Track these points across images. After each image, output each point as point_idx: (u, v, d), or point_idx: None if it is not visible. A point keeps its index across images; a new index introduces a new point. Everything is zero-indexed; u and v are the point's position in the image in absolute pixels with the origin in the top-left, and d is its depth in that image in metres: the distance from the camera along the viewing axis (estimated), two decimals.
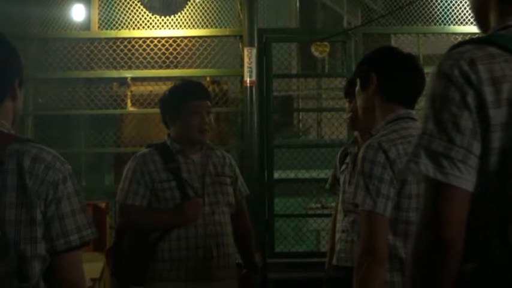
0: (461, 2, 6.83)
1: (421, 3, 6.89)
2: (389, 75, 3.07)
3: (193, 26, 6.70)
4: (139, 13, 6.68)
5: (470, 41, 1.72)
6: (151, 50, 6.64)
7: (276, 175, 6.66)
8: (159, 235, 3.96)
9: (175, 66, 6.66)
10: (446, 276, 1.65)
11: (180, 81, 4.40)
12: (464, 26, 6.75)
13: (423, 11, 6.83)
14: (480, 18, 1.87)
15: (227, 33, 6.73)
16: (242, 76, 6.48)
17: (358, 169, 2.90)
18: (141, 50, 6.65)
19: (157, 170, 4.00)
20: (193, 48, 6.71)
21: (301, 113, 9.79)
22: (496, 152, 1.63)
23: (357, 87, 3.20)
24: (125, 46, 6.65)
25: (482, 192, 1.64)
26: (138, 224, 4.02)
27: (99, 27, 6.72)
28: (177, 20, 6.69)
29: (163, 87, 6.66)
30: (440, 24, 6.82)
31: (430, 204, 1.67)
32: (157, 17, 6.68)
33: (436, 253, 1.65)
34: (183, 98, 4.07)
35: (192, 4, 6.71)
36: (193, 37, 6.70)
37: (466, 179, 1.63)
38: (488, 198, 1.64)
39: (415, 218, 2.84)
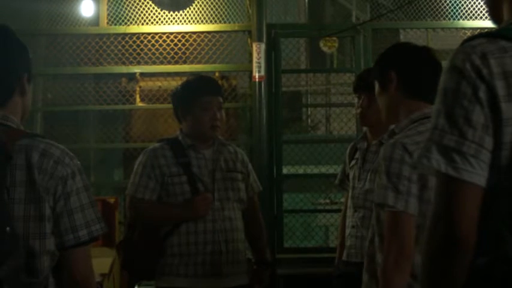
0: None
1: None
2: (410, 71, 3.03)
3: (202, 21, 6.70)
4: (148, 8, 6.68)
5: (483, 34, 1.71)
6: (160, 45, 6.64)
7: (285, 170, 6.65)
8: (168, 230, 3.97)
9: (184, 62, 6.66)
10: (459, 272, 1.64)
11: (192, 77, 4.40)
12: (473, 21, 6.72)
13: (432, 6, 6.81)
14: (493, 11, 1.86)
15: (236, 28, 6.72)
16: (251, 71, 6.47)
17: (384, 169, 2.84)
18: (149, 46, 6.65)
19: (167, 164, 4.01)
20: (202, 44, 6.71)
21: (309, 109, 9.80)
22: (508, 147, 1.62)
23: (377, 89, 3.15)
24: (134, 42, 6.65)
25: (495, 187, 1.63)
26: (147, 218, 4.03)
27: (108, 23, 6.72)
28: (185, 15, 6.68)
29: (172, 83, 6.68)
30: (449, 19, 6.79)
31: (442, 200, 1.67)
32: (166, 12, 6.68)
33: (448, 249, 1.64)
34: (194, 93, 4.07)
35: None
36: (202, 32, 6.69)
37: (478, 174, 1.62)
38: (500, 193, 1.63)
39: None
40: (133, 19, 6.69)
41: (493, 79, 1.62)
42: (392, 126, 3.05)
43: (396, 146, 2.85)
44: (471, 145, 1.62)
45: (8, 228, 1.99)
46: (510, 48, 1.65)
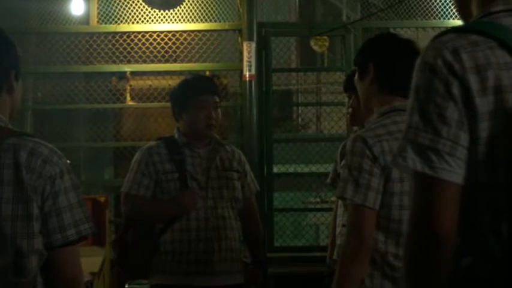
0: None
1: None
2: (385, 65, 3.02)
3: (193, 20, 6.70)
4: (139, 7, 6.68)
5: (453, 29, 1.69)
6: (151, 44, 6.63)
7: (275, 169, 6.66)
8: (162, 227, 3.99)
9: (175, 61, 6.66)
10: (440, 271, 1.63)
11: (189, 76, 4.43)
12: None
13: (422, 5, 6.82)
14: (462, 8, 1.84)
15: (226, 27, 6.72)
16: (241, 70, 6.47)
17: (346, 163, 2.88)
18: (140, 44, 6.64)
19: (161, 162, 4.04)
20: (193, 42, 6.71)
21: (300, 107, 9.77)
22: (484, 142, 1.59)
23: (356, 76, 3.16)
24: (124, 40, 6.64)
25: (473, 184, 1.61)
26: (140, 214, 4.06)
27: (98, 22, 6.71)
28: (176, 14, 6.68)
29: (163, 82, 6.69)
30: (439, 19, 6.81)
31: (419, 200, 1.65)
32: (157, 11, 6.67)
33: (428, 249, 1.62)
34: (191, 92, 4.10)
35: None
36: (192, 31, 6.69)
37: (455, 172, 1.60)
38: (479, 190, 1.62)
39: (396, 215, 2.84)
40: (123, 18, 6.68)
41: (466, 74, 1.59)
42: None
43: (357, 139, 2.87)
44: (446, 143, 1.60)
45: None
46: (482, 41, 1.63)
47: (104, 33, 6.69)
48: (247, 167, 4.31)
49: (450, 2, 6.78)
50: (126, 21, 6.68)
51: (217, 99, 4.14)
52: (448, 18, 6.78)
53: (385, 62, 3.03)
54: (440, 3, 6.81)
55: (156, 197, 4.03)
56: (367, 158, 2.82)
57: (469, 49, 1.62)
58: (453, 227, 1.62)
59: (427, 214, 1.63)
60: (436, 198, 1.61)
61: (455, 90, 1.61)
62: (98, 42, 6.68)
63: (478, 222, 1.62)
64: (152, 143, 4.18)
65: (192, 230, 3.97)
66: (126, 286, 5.45)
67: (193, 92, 4.10)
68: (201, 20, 6.71)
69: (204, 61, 6.70)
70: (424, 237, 1.63)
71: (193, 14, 6.70)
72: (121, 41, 6.64)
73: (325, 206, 6.88)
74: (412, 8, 6.85)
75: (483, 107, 1.59)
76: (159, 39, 6.62)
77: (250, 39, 6.46)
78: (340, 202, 4.33)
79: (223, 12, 6.78)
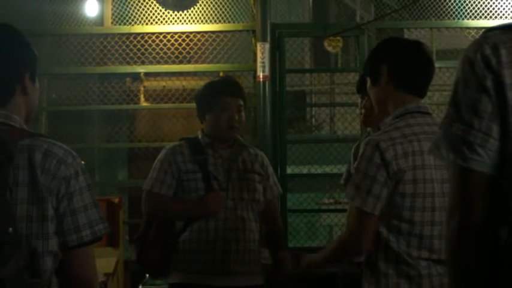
0: None
1: None
2: (398, 65, 3.05)
3: (206, 21, 6.70)
4: (153, 8, 6.69)
5: (499, 26, 1.73)
6: (164, 45, 6.65)
7: (289, 170, 6.65)
8: (182, 226, 4.00)
9: (188, 62, 6.67)
10: (476, 259, 1.65)
11: (216, 78, 4.45)
12: (478, 20, 6.72)
13: (436, 5, 6.80)
14: None
15: (240, 28, 6.73)
16: (255, 71, 6.48)
17: (356, 165, 2.94)
18: (154, 45, 6.66)
19: (184, 161, 4.05)
20: (206, 43, 6.72)
21: (314, 108, 9.80)
22: None
23: (368, 83, 3.17)
24: (138, 41, 6.66)
25: (507, 176, 1.63)
26: (161, 212, 4.07)
27: (112, 23, 6.73)
28: (190, 15, 6.69)
29: (177, 82, 6.70)
30: (454, 19, 6.79)
31: (453, 189, 1.70)
32: (171, 12, 6.69)
33: (462, 237, 1.66)
34: (215, 93, 4.12)
35: None
36: (206, 32, 6.70)
37: (485, 163, 1.63)
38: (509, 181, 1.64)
39: (407, 216, 2.87)
40: (137, 19, 6.70)
41: (501, 68, 1.63)
42: None
43: (369, 143, 2.91)
44: (478, 134, 1.63)
45: (10, 229, 1.98)
46: None
47: (118, 34, 6.71)
48: (270, 169, 4.31)
49: (464, 2, 6.76)
50: (140, 22, 6.69)
51: (241, 102, 4.15)
52: (462, 19, 6.76)
53: (398, 62, 3.06)
54: (454, 3, 6.79)
55: (177, 195, 4.05)
56: (373, 165, 2.85)
57: (508, 44, 1.66)
58: (486, 216, 1.65)
59: (459, 203, 1.67)
60: (468, 187, 1.66)
61: (489, 84, 1.64)
62: (112, 43, 6.69)
63: (509, 215, 1.64)
64: (176, 143, 4.21)
65: (210, 230, 3.98)
66: (140, 287, 5.45)
67: (217, 93, 4.12)
68: (215, 21, 6.72)
69: (218, 62, 6.71)
70: (458, 226, 1.66)
71: (207, 15, 6.71)
72: (135, 42, 6.66)
73: (339, 206, 6.87)
74: (426, 8, 6.84)
75: None
76: (172, 40, 6.63)
77: (264, 40, 6.46)
78: None
79: (237, 13, 6.79)
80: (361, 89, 4.29)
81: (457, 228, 1.66)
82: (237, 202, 4.05)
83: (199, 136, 4.15)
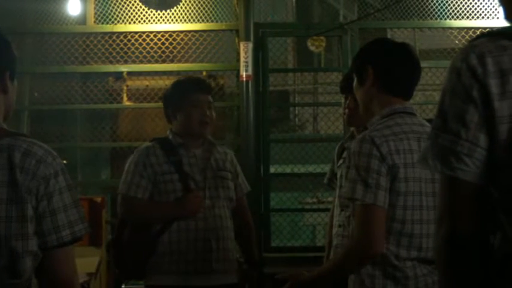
0: None
1: None
2: (385, 66, 3.05)
3: (190, 20, 6.69)
4: (135, 7, 6.67)
5: (486, 33, 1.73)
6: (148, 44, 6.63)
7: (272, 169, 6.65)
8: (159, 228, 3.98)
9: (172, 61, 6.66)
10: (468, 268, 1.65)
11: (182, 77, 4.46)
12: (460, 21, 6.73)
13: (419, 5, 6.81)
14: (508, 11, 1.86)
15: (223, 27, 6.72)
16: (238, 70, 6.47)
17: (353, 163, 2.89)
18: (137, 44, 6.64)
19: (159, 163, 4.04)
20: (190, 43, 6.70)
21: (297, 108, 9.81)
22: (503, 144, 1.62)
23: (355, 83, 3.18)
24: (121, 40, 6.64)
25: (496, 185, 1.64)
26: (140, 217, 4.05)
27: (94, 22, 6.70)
28: (173, 14, 6.68)
29: (160, 82, 6.68)
30: (436, 19, 6.80)
31: (441, 199, 1.70)
32: (153, 11, 6.67)
33: (452, 246, 1.65)
34: (184, 91, 4.13)
35: None
36: (189, 31, 6.69)
37: (472, 172, 1.63)
38: (500, 191, 1.64)
39: (400, 215, 2.86)
40: (120, 18, 6.68)
41: (487, 78, 1.62)
42: None
43: (364, 140, 2.89)
44: (465, 144, 1.63)
45: None
46: (510, 46, 1.66)
47: (101, 33, 6.69)
48: (239, 167, 4.34)
49: (447, 2, 6.78)
50: (123, 21, 6.67)
51: (210, 98, 4.18)
52: (445, 19, 6.78)
53: (384, 64, 3.07)
54: (437, 4, 6.81)
55: (153, 198, 4.04)
56: (374, 158, 2.84)
57: (495, 53, 1.65)
58: (475, 225, 1.65)
59: (447, 213, 1.67)
60: (456, 197, 1.66)
61: (476, 93, 1.64)
62: (95, 42, 6.67)
63: (501, 223, 1.64)
64: (147, 144, 4.19)
65: (191, 230, 3.98)
66: (123, 287, 5.44)
67: (186, 92, 4.13)
68: (198, 20, 6.71)
69: (201, 61, 6.70)
70: (446, 236, 1.66)
71: (190, 14, 6.70)
72: (118, 41, 6.64)
73: (322, 206, 6.88)
74: (409, 8, 6.85)
75: (502, 110, 1.62)
76: (155, 40, 6.62)
77: (247, 39, 6.46)
78: (336, 202, 4.33)
79: (220, 12, 6.78)
80: (344, 88, 4.29)
81: (446, 238, 1.66)
82: (214, 201, 4.06)
83: (170, 136, 4.14)
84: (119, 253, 4.06)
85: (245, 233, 4.33)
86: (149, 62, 6.66)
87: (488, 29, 1.78)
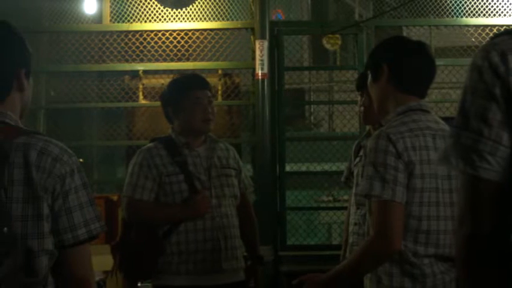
0: None
1: None
2: (400, 64, 3.05)
3: (205, 18, 6.70)
4: (151, 6, 6.69)
5: (508, 31, 1.71)
6: (163, 43, 6.64)
7: (288, 168, 6.65)
8: (167, 229, 3.96)
9: (187, 59, 6.67)
10: (489, 268, 1.63)
11: (178, 75, 4.43)
12: (476, 18, 6.71)
13: (435, 3, 6.79)
14: None
15: (239, 25, 6.72)
16: (254, 69, 6.47)
17: (370, 160, 2.89)
18: (152, 43, 6.65)
19: (163, 164, 4.01)
20: (205, 41, 6.71)
21: (312, 106, 9.78)
22: None
23: (369, 80, 3.18)
24: (137, 39, 6.66)
25: None
26: (147, 219, 4.02)
27: (110, 20, 6.72)
28: (188, 12, 6.69)
29: None
30: (452, 16, 6.78)
31: (462, 197, 1.67)
32: (169, 9, 6.68)
33: (473, 246, 1.64)
34: (183, 89, 4.10)
35: None
36: (204, 30, 6.70)
37: (495, 171, 1.61)
38: None
39: (416, 212, 2.86)
40: (136, 16, 6.70)
41: (509, 76, 1.61)
42: None
43: (380, 136, 2.89)
44: (488, 142, 1.61)
45: (5, 229, 1.97)
46: None
47: (117, 32, 6.71)
48: (241, 163, 4.33)
49: (463, 0, 6.76)
50: (139, 20, 6.69)
51: (209, 94, 4.14)
52: (461, 16, 6.75)
53: (399, 62, 3.06)
54: (453, 1, 6.78)
55: (158, 199, 4.01)
56: (391, 154, 2.83)
57: None
58: (497, 225, 1.63)
59: (468, 212, 1.65)
60: (478, 196, 1.64)
61: (498, 91, 1.62)
62: (111, 41, 6.69)
63: None
64: (150, 144, 4.15)
65: (199, 230, 3.96)
66: (139, 285, 5.45)
67: (186, 89, 4.09)
68: (214, 19, 6.72)
69: (217, 60, 6.70)
70: (466, 236, 1.65)
71: (205, 12, 6.71)
72: (134, 40, 6.65)
73: (338, 204, 6.87)
74: (424, 6, 6.83)
75: None
76: (171, 38, 6.63)
77: (262, 37, 6.46)
78: (353, 200, 4.33)
79: (235, 10, 6.78)
80: (360, 86, 4.29)
81: (467, 237, 1.64)
82: (220, 199, 4.04)
83: (173, 136, 4.12)
84: (127, 255, 4.03)
85: (249, 228, 4.31)
86: (165, 60, 6.67)
87: (505, 27, 1.76)
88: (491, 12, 6.69)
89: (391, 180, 2.81)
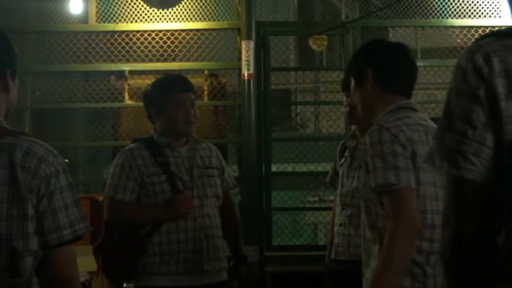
0: None
1: None
2: (384, 66, 3.07)
3: (191, 19, 6.70)
4: (137, 6, 6.68)
5: (492, 33, 1.72)
6: (149, 43, 6.64)
7: (274, 168, 6.65)
8: (149, 229, 3.96)
9: (173, 60, 6.66)
10: (474, 268, 1.64)
11: (161, 76, 4.43)
12: (462, 19, 6.73)
13: (421, 4, 6.81)
14: None
15: (225, 26, 6.72)
16: (240, 69, 6.47)
17: (375, 153, 2.86)
18: (138, 43, 6.64)
19: (145, 164, 4.01)
20: (191, 42, 6.70)
21: (298, 107, 9.78)
22: (510, 144, 1.60)
23: (352, 85, 3.18)
24: (123, 39, 6.64)
25: (502, 185, 1.63)
26: (129, 220, 4.01)
27: (96, 20, 6.71)
28: (174, 13, 6.68)
29: None
30: (438, 17, 6.80)
31: (447, 198, 1.69)
32: (155, 10, 6.67)
33: (457, 246, 1.65)
34: (166, 91, 4.10)
35: None
36: (191, 30, 6.69)
37: (479, 172, 1.62)
38: (507, 191, 1.63)
39: (421, 205, 2.86)
40: (122, 17, 6.69)
41: (493, 77, 1.61)
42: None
43: (381, 130, 2.89)
44: (472, 144, 1.62)
45: None
46: None
47: (103, 32, 6.70)
48: (224, 162, 4.33)
49: (448, 1, 6.78)
50: (125, 20, 6.68)
51: (192, 96, 4.14)
52: (447, 17, 6.77)
53: (384, 64, 3.08)
54: (438, 2, 6.80)
55: (140, 200, 4.01)
56: (397, 143, 2.84)
57: (501, 53, 1.64)
58: (481, 226, 1.64)
59: (452, 213, 1.66)
60: (462, 196, 1.65)
61: (482, 93, 1.63)
62: (97, 41, 6.68)
63: (506, 223, 1.63)
64: (131, 145, 4.14)
65: (181, 231, 3.96)
66: (124, 285, 5.44)
67: (168, 91, 4.09)
68: (200, 19, 6.71)
69: (203, 60, 6.70)
70: (451, 236, 1.65)
71: (191, 13, 6.70)
72: (119, 40, 6.64)
73: (324, 205, 6.87)
74: (410, 7, 6.85)
75: (509, 110, 1.61)
76: (157, 38, 6.62)
77: (248, 38, 6.46)
78: (338, 201, 4.33)
79: (221, 11, 6.78)
80: (346, 87, 4.29)
81: (452, 237, 1.65)
82: (203, 200, 4.04)
83: (155, 136, 4.12)
84: (109, 256, 4.01)
85: (232, 228, 4.31)
86: (151, 60, 6.67)
87: (490, 28, 1.76)
88: (477, 13, 6.72)
89: (403, 167, 2.81)
